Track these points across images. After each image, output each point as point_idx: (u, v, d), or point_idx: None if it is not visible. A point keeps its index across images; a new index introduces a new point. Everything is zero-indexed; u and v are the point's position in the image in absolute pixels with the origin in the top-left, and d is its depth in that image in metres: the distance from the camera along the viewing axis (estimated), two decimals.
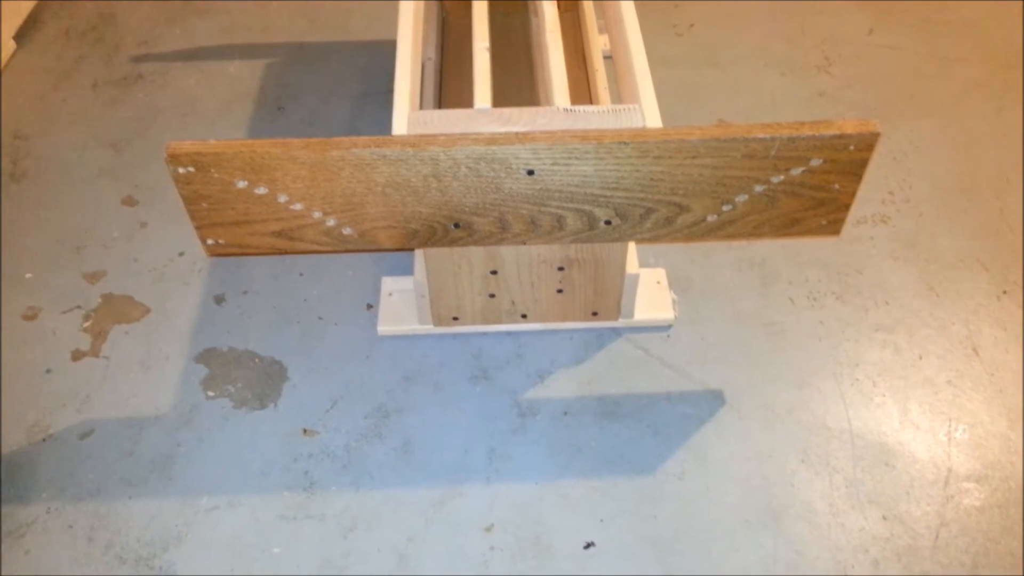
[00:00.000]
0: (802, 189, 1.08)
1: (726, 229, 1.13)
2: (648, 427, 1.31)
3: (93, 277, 1.53)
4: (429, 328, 1.42)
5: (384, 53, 1.97)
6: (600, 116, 1.17)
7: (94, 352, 1.42)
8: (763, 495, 1.23)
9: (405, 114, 1.19)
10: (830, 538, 1.19)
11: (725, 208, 1.10)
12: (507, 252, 1.27)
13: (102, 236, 1.59)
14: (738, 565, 1.16)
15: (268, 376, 1.38)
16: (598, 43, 1.72)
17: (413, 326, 1.42)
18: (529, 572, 1.16)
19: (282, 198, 1.06)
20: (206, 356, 1.41)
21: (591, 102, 1.63)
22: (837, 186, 1.08)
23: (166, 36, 2.03)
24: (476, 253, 1.27)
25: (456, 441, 1.30)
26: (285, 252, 1.15)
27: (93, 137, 1.78)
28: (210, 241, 1.12)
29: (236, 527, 1.21)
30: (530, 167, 1.04)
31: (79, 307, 1.48)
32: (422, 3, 1.43)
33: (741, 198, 1.09)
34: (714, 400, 1.34)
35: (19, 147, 1.77)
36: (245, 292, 1.50)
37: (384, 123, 1.76)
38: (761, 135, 1.01)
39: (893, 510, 1.21)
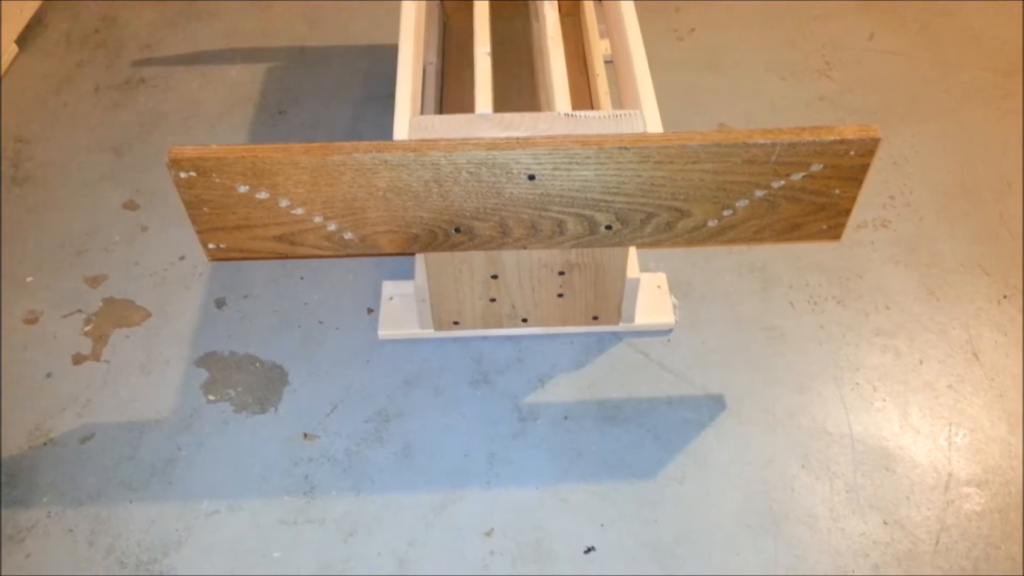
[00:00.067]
0: (803, 194, 1.08)
1: (727, 234, 1.14)
2: (648, 431, 1.31)
3: (94, 281, 1.53)
4: (430, 332, 1.42)
5: (385, 57, 1.97)
6: (601, 121, 1.17)
7: (95, 356, 1.42)
8: (764, 499, 1.23)
9: (406, 119, 1.19)
10: (830, 543, 1.19)
11: (726, 213, 1.10)
12: (508, 256, 1.27)
13: (103, 240, 1.60)
14: (738, 569, 1.16)
15: (269, 380, 1.38)
16: (599, 47, 1.72)
17: (414, 330, 1.42)
18: None
19: (283, 203, 1.07)
20: (207, 360, 1.41)
21: (592, 107, 1.64)
22: (838, 191, 1.08)
23: (168, 40, 2.03)
24: (477, 257, 1.27)
25: (456, 445, 1.30)
26: (286, 256, 1.15)
27: (95, 141, 1.79)
28: (211, 245, 1.12)
29: (236, 531, 1.21)
30: (531, 172, 1.04)
31: (80, 311, 1.48)
32: (423, 7, 1.43)
33: (742, 203, 1.09)
34: (714, 404, 1.34)
35: (21, 151, 1.77)
36: (246, 296, 1.50)
37: (385, 127, 1.77)
38: (762, 140, 1.01)
39: (893, 515, 1.21)
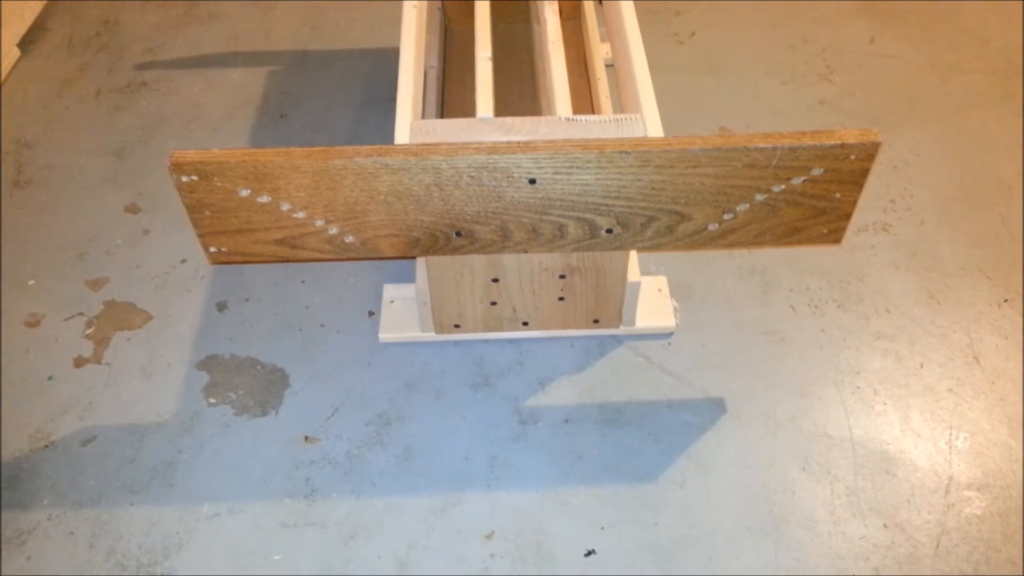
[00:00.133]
0: (803, 198, 1.08)
1: (727, 238, 1.14)
2: (649, 435, 1.31)
3: (96, 284, 1.53)
4: (431, 335, 1.42)
5: (387, 61, 1.98)
6: (602, 126, 1.17)
7: (96, 359, 1.42)
8: (764, 503, 1.23)
9: (407, 123, 1.19)
10: (831, 546, 1.19)
11: (726, 217, 1.11)
12: (509, 260, 1.27)
13: (105, 243, 1.60)
14: (739, 572, 1.16)
15: (270, 383, 1.39)
16: (600, 51, 1.73)
17: (415, 333, 1.42)
18: None
19: (285, 206, 1.07)
20: (208, 363, 1.41)
21: (593, 111, 1.64)
22: (838, 195, 1.08)
23: (170, 44, 2.04)
24: (478, 261, 1.27)
25: (457, 448, 1.30)
26: (287, 260, 1.15)
27: (96, 144, 1.79)
28: (213, 249, 1.13)
29: (237, 534, 1.21)
30: (532, 176, 1.04)
31: (81, 314, 1.49)
32: (425, 11, 1.44)
33: (742, 207, 1.09)
34: (715, 408, 1.34)
35: (22, 154, 1.77)
36: (247, 299, 1.50)
37: (386, 131, 1.77)
38: (762, 145, 1.02)
39: (894, 518, 1.21)
